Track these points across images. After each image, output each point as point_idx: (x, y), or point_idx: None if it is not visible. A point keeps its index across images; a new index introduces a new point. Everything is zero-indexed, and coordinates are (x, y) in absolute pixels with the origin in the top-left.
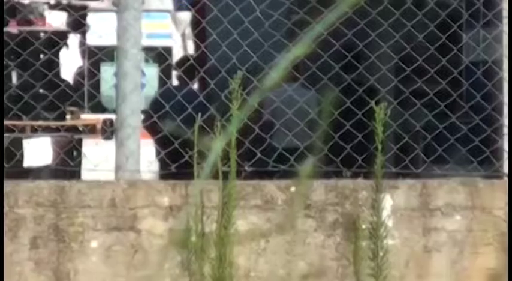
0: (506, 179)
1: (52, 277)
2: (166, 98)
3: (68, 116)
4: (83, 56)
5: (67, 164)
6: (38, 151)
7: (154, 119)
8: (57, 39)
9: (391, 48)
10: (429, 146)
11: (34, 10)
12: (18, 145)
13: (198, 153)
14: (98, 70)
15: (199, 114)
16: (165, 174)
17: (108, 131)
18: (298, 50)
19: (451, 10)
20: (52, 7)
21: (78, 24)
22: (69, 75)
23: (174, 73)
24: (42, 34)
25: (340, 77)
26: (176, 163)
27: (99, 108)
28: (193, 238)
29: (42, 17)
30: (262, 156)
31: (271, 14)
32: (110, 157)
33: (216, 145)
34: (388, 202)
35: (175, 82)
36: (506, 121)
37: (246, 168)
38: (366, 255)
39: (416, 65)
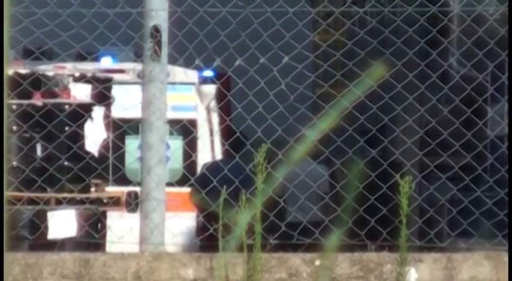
0: None
1: None
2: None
3: (92, 189)
4: (107, 129)
5: (91, 237)
6: (62, 223)
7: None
8: (81, 112)
9: (416, 122)
10: (454, 219)
11: (59, 82)
12: (42, 217)
13: (223, 226)
14: (123, 143)
15: (224, 187)
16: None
17: (133, 203)
18: (323, 123)
19: (476, 84)
20: (77, 79)
21: (102, 96)
22: (93, 147)
23: (200, 146)
24: (66, 106)
25: (365, 150)
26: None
27: (123, 180)
28: None
29: (66, 89)
30: (287, 229)
31: (296, 87)
32: (135, 229)
33: (242, 218)
34: (413, 275)
35: (201, 155)
36: None
37: (271, 241)
38: None
39: (441, 138)
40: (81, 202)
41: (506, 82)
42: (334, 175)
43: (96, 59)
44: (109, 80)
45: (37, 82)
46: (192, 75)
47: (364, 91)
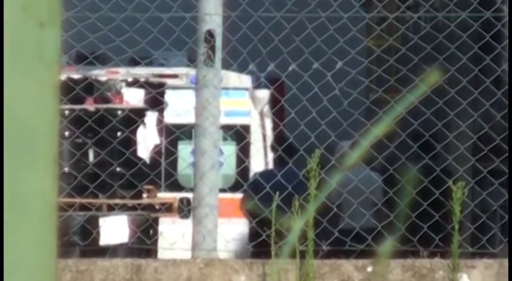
0: None
1: None
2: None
3: (144, 195)
4: (160, 134)
5: (143, 243)
6: (114, 229)
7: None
8: (134, 117)
9: (470, 127)
10: (506, 225)
11: (111, 87)
12: (94, 222)
13: (276, 232)
14: (176, 148)
15: (277, 193)
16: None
17: (185, 209)
18: (377, 129)
19: None
20: (129, 84)
21: (155, 101)
22: (146, 153)
23: (253, 152)
24: (119, 112)
25: (418, 156)
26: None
27: (176, 186)
28: None
29: (119, 94)
30: (339, 235)
31: (349, 92)
32: (187, 235)
33: (296, 224)
34: None
35: (254, 161)
36: None
37: (324, 247)
38: None
39: (494, 144)
40: (133, 208)
41: None
42: (388, 181)
43: (150, 64)
44: (162, 85)
45: (90, 87)
46: (246, 80)
47: (418, 97)
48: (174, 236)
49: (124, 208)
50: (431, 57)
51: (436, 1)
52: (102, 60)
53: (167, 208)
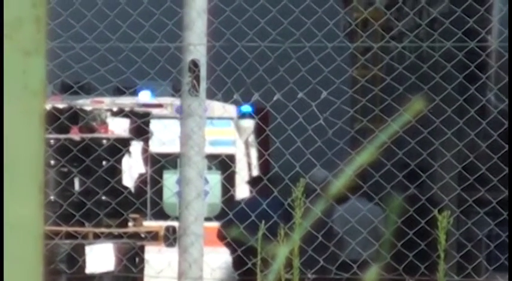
0: None
1: None
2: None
3: (130, 223)
4: (145, 163)
5: (129, 271)
6: (100, 257)
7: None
8: (119, 146)
9: (455, 157)
10: (492, 254)
11: (96, 117)
12: (80, 251)
13: (262, 260)
14: (161, 177)
15: (263, 222)
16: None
17: (171, 238)
18: (362, 158)
19: None
20: (115, 114)
21: (141, 131)
22: (131, 182)
23: (239, 181)
24: (104, 141)
25: (403, 185)
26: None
27: (161, 215)
28: None
29: (104, 123)
30: (325, 264)
31: (334, 122)
32: (173, 263)
33: (281, 252)
34: None
35: (239, 191)
36: None
37: (309, 276)
38: None
39: (479, 173)
40: (119, 236)
41: None
42: (376, 210)
43: (135, 94)
44: (147, 115)
45: (75, 117)
46: (230, 110)
47: (403, 126)
48: (160, 264)
49: (110, 236)
50: (416, 87)
51: (421, 31)
52: (87, 90)
53: (153, 237)
